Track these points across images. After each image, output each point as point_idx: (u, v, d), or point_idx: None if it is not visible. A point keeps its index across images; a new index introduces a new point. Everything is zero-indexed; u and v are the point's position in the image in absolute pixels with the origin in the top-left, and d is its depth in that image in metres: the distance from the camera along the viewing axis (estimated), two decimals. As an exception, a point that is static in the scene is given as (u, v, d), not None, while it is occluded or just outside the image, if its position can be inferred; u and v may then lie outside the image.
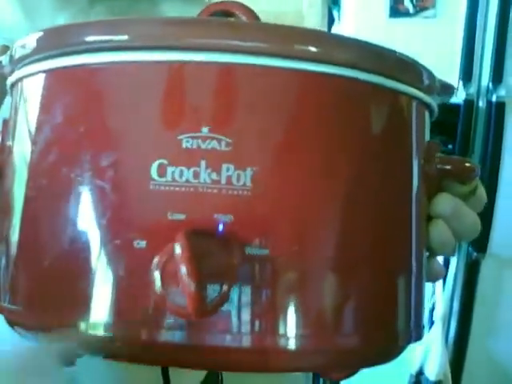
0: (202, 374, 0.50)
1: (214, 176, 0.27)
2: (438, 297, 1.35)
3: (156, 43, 0.28)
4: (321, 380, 1.22)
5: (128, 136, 0.28)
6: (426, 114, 0.34)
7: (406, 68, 0.32)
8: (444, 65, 1.36)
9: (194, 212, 0.27)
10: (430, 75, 0.33)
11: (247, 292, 0.27)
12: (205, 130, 0.27)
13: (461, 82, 1.38)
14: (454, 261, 1.41)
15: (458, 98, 1.37)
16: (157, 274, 0.26)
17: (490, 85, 1.37)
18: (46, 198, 0.30)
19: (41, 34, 0.31)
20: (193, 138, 0.27)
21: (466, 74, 1.39)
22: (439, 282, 1.31)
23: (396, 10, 1.45)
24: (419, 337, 0.33)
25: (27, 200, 0.30)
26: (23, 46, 0.31)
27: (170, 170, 0.27)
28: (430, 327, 1.33)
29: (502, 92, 1.35)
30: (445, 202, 0.34)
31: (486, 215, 1.29)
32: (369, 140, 0.30)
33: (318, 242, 0.28)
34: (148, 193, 0.27)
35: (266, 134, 0.28)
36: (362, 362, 0.31)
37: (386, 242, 0.30)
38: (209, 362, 0.28)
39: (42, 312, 0.29)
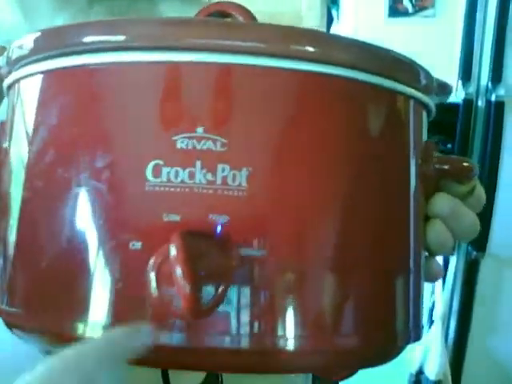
0: (201, 375, 0.50)
1: (210, 176, 0.27)
2: (438, 296, 1.35)
3: (153, 43, 0.28)
4: (320, 381, 1.22)
5: (123, 136, 0.28)
6: (424, 113, 0.34)
7: (404, 68, 0.32)
8: (443, 64, 1.36)
9: (190, 213, 0.27)
10: (428, 75, 0.33)
11: (245, 293, 0.27)
12: (200, 130, 0.27)
13: (460, 82, 1.38)
14: (453, 260, 1.41)
15: (457, 97, 1.37)
16: (152, 276, 0.26)
17: (489, 84, 1.37)
18: (42, 199, 0.30)
19: (38, 34, 0.30)
20: (188, 138, 0.27)
21: (465, 73, 1.39)
22: (439, 282, 1.31)
23: (395, 10, 1.45)
24: (418, 337, 0.33)
25: (24, 201, 0.30)
26: (20, 47, 0.31)
27: (165, 170, 0.27)
28: (430, 326, 1.33)
29: (501, 91, 1.35)
30: (442, 202, 0.34)
31: (486, 214, 1.29)
32: (366, 140, 0.30)
33: (314, 243, 0.28)
34: (143, 194, 0.27)
35: (261, 134, 0.28)
36: (360, 362, 0.31)
37: (383, 243, 0.30)
38: (208, 363, 0.28)
39: (39, 314, 0.29)
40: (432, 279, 0.36)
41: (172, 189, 0.27)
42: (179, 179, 0.27)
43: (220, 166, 0.27)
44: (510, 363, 1.41)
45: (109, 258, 0.27)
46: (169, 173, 0.27)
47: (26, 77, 0.32)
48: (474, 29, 1.38)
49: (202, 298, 0.25)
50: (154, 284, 0.26)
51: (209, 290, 0.26)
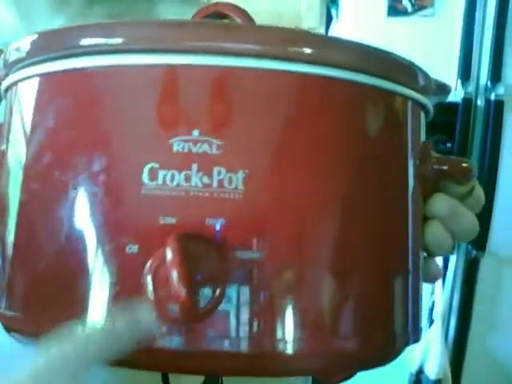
0: (201, 377, 0.49)
1: (206, 179, 0.27)
2: (438, 295, 1.35)
3: (150, 46, 0.28)
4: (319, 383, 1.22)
5: (120, 139, 0.28)
6: (422, 114, 0.34)
7: (402, 69, 0.32)
8: (442, 63, 1.36)
9: (186, 216, 0.27)
10: (426, 76, 0.33)
11: (243, 296, 0.27)
12: (196, 133, 0.27)
13: (459, 81, 1.38)
14: (453, 259, 1.41)
15: (457, 96, 1.37)
16: (149, 279, 0.26)
17: (489, 83, 1.37)
18: (39, 201, 0.29)
19: (35, 36, 0.30)
20: (184, 141, 0.27)
21: (465, 72, 1.39)
22: (438, 281, 1.31)
23: (394, 9, 1.45)
24: (417, 338, 0.33)
25: (22, 204, 0.30)
26: (18, 49, 0.31)
27: (161, 173, 0.27)
28: (430, 326, 1.33)
29: (500, 90, 1.35)
30: (440, 203, 0.34)
31: (485, 213, 1.28)
32: (364, 141, 0.30)
33: (313, 244, 0.28)
34: (139, 197, 0.27)
35: (258, 137, 0.28)
36: (359, 364, 0.31)
37: (381, 243, 0.30)
38: (207, 367, 0.28)
39: (38, 316, 0.29)
40: (431, 280, 0.36)
41: (168, 192, 0.27)
42: (175, 182, 0.27)
43: (216, 169, 0.27)
44: (509, 362, 1.41)
45: (106, 261, 0.27)
46: (165, 176, 0.27)
47: (23, 79, 0.31)
48: (474, 28, 1.38)
49: (199, 301, 0.25)
50: (150, 287, 0.26)
51: (206, 294, 0.26)
